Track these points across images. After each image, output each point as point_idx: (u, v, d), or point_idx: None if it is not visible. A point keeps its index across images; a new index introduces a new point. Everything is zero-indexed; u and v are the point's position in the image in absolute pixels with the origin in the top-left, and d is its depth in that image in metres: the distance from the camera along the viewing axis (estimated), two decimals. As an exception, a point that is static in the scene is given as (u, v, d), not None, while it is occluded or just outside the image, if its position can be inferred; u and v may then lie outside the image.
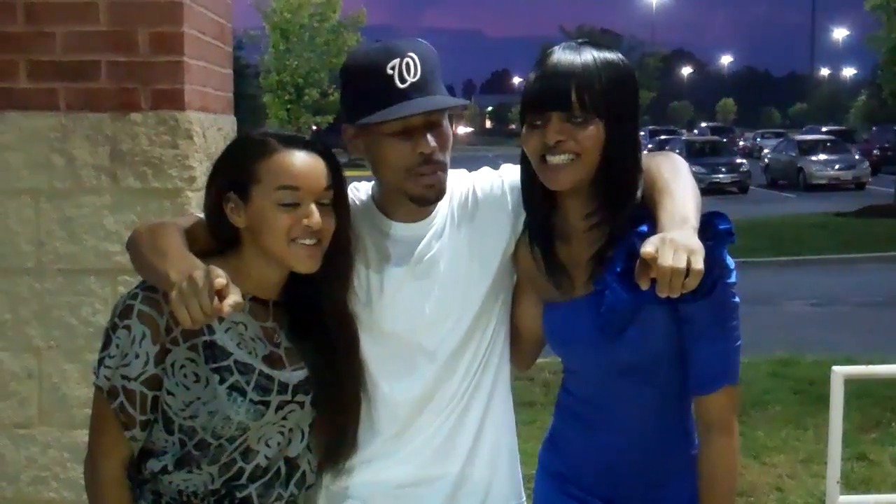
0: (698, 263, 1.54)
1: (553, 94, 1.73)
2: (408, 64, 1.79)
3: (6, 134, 2.88)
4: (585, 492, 1.94)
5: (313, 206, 1.74)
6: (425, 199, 1.87)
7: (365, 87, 1.82)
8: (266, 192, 1.73)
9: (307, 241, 1.74)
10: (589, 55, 1.75)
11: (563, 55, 1.76)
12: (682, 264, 1.53)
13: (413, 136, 1.80)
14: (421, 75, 1.80)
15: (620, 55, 1.81)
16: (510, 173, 2.00)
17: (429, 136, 1.81)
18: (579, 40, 1.82)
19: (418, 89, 1.79)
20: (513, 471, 2.05)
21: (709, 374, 1.80)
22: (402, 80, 1.78)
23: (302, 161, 1.74)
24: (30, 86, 2.87)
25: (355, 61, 1.88)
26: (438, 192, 1.87)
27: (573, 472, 1.96)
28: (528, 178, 1.87)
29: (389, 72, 1.78)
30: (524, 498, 2.08)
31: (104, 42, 2.85)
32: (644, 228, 1.72)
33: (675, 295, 1.56)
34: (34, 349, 2.92)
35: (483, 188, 2.00)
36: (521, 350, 2.05)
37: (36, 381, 2.93)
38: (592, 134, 1.74)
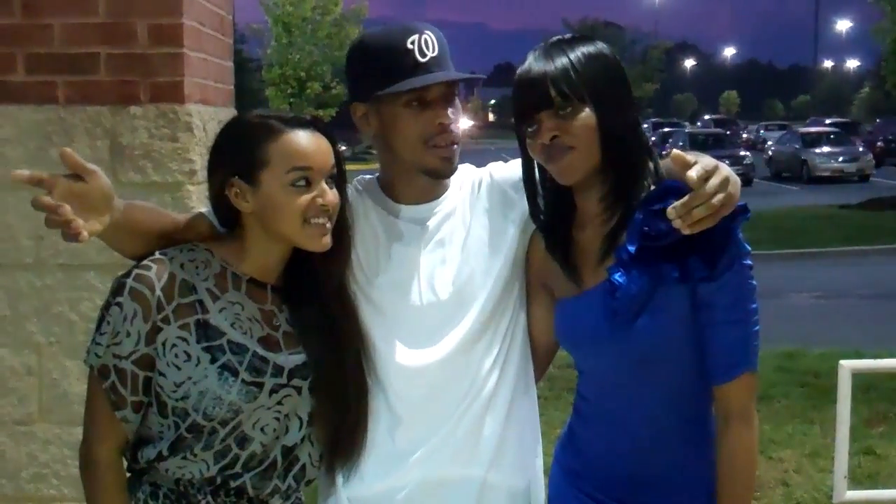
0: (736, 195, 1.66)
1: (534, 97, 1.76)
2: (426, 40, 1.86)
3: (4, 128, 2.86)
4: (600, 491, 1.90)
5: (325, 185, 1.74)
6: (440, 172, 1.90)
7: (384, 61, 1.86)
8: (277, 175, 1.72)
9: (320, 220, 1.74)
10: (559, 50, 1.78)
11: (534, 59, 1.79)
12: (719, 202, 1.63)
13: (431, 107, 1.85)
14: (438, 52, 1.87)
15: (599, 43, 1.82)
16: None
17: (447, 108, 1.86)
18: (551, 40, 1.83)
19: (437, 64, 1.86)
20: (537, 475, 2.01)
21: (728, 362, 1.75)
22: (423, 55, 1.85)
23: (309, 141, 1.75)
24: (28, 79, 2.84)
25: (372, 38, 1.93)
26: (453, 165, 1.91)
27: (589, 471, 1.92)
28: (540, 172, 1.87)
29: (409, 46, 1.84)
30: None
31: (103, 34, 2.82)
32: (657, 206, 1.70)
33: (694, 226, 1.60)
34: (34, 345, 2.90)
35: (501, 176, 2.02)
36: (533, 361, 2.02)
37: (36, 377, 2.91)
38: (584, 121, 1.74)
